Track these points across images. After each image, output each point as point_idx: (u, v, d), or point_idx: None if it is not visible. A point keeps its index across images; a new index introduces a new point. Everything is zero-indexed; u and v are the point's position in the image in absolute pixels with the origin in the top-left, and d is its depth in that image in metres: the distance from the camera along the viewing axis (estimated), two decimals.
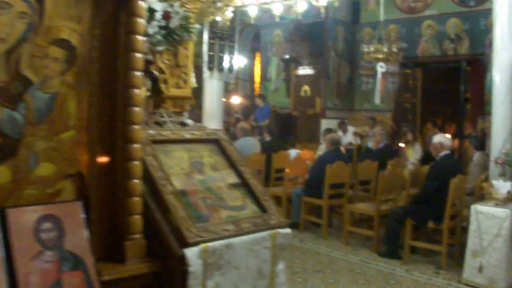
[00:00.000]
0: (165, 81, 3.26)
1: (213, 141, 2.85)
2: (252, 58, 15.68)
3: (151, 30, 3.14)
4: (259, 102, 13.06)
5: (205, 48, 10.88)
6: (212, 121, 10.64)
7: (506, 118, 6.08)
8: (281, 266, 2.64)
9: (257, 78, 15.33)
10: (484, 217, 5.45)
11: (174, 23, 3.24)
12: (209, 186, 2.57)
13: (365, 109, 12.55)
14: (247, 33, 15.27)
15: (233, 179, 2.69)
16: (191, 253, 2.20)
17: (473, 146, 7.43)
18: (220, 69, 10.90)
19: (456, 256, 6.28)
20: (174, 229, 2.27)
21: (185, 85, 3.36)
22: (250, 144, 9.09)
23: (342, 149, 8.96)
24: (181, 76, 3.35)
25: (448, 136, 6.51)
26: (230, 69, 11.20)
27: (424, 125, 12.73)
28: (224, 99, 13.81)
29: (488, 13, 6.28)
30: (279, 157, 8.87)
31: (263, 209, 2.62)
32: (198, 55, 11.05)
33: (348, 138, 11.61)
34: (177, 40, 3.29)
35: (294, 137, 10.01)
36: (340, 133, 12.12)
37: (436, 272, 6.10)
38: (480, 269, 5.49)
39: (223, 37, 11.32)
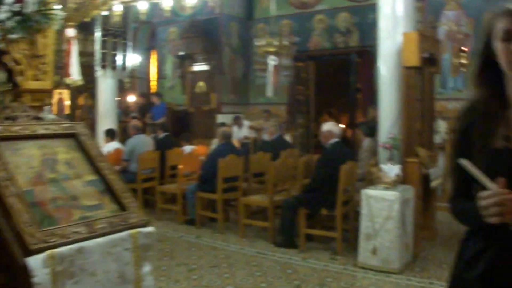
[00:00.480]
0: (22, 73, 2.96)
1: (71, 136, 2.57)
2: (148, 56, 15.29)
3: (1, 15, 2.83)
4: (155, 100, 12.73)
5: (97, 46, 10.43)
6: (107, 120, 10.23)
7: (392, 104, 6.16)
8: (147, 268, 2.40)
9: (154, 76, 14.93)
10: (374, 201, 5.50)
11: (30, 8, 2.94)
12: (61, 185, 2.30)
13: (260, 102, 12.54)
14: (143, 31, 14.88)
15: (90, 176, 2.43)
16: (35, 262, 1.92)
17: (363, 133, 7.54)
18: (114, 67, 10.48)
19: (351, 241, 6.30)
20: (16, 235, 1.99)
21: (45, 77, 3.07)
22: (143, 142, 8.82)
23: (236, 143, 8.86)
24: (40, 67, 3.05)
25: (338, 124, 6.54)
26: (124, 67, 10.78)
27: (319, 116, 12.93)
28: (120, 98, 13.40)
29: (376, 7, 6.53)
30: (173, 154, 8.65)
31: (122, 207, 2.38)
32: (90, 54, 10.59)
33: (244, 132, 11.56)
34: (35, 27, 2.98)
35: (188, 133, 9.78)
36: (235, 127, 12.07)
37: (332, 258, 6.11)
38: (374, 252, 5.54)
39: (116, 35, 10.90)
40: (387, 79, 6.23)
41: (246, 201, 7.13)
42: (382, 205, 5.44)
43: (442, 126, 8.84)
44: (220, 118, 12.08)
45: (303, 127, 11.68)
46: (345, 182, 6.03)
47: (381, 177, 5.63)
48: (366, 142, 7.37)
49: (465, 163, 1.59)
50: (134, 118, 12.75)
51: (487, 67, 1.76)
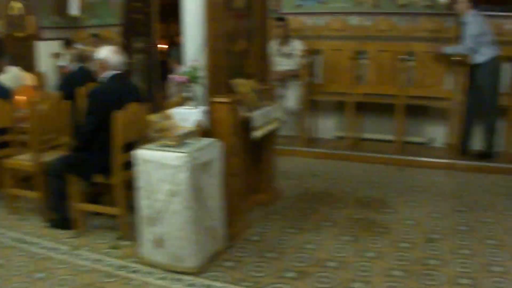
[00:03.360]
0: None
1: None
2: None
3: None
4: None
5: None
6: None
7: (198, 17, 4.10)
8: None
9: None
10: (152, 167, 3.53)
11: None
12: None
13: (94, 25, 10.06)
14: None
15: None
16: None
17: (175, 60, 5.52)
18: None
19: None
20: None
21: None
22: None
23: None
24: None
25: (116, 49, 4.39)
26: None
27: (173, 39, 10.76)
28: None
29: None
30: None
31: None
32: None
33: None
34: None
35: None
36: (67, 56, 9.66)
37: (115, 246, 4.16)
38: (159, 243, 3.64)
39: None
40: None
41: (10, 164, 4.94)
42: (164, 174, 3.48)
43: (298, 47, 6.96)
44: (43, 46, 9.60)
45: (142, 52, 9.35)
46: (126, 134, 4.01)
47: (166, 128, 3.65)
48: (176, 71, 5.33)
49: None
50: None
51: None
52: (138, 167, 3.59)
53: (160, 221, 3.57)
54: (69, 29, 10.10)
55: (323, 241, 4.17)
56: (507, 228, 4.42)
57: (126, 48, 9.37)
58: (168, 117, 3.72)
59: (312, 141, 7.24)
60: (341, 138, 7.27)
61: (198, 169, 3.52)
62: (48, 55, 9.54)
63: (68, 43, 9.57)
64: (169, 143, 3.52)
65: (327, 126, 7.48)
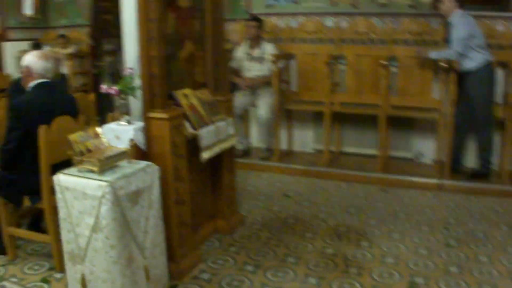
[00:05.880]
0: None
1: None
2: None
3: None
4: None
5: None
6: None
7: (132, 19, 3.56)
8: None
9: None
10: (72, 196, 3.01)
11: None
12: None
13: (63, 25, 9.50)
14: None
15: None
16: None
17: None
18: None
19: None
20: None
21: None
22: None
23: None
24: None
25: (41, 54, 3.87)
26: None
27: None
28: None
29: None
30: None
31: None
32: None
33: None
34: None
35: None
36: None
37: (45, 280, 3.64)
38: (84, 284, 3.12)
39: None
40: None
41: None
42: (85, 206, 2.96)
43: (269, 51, 6.43)
44: (10, 48, 9.05)
45: (111, 54, 8.78)
46: (54, 153, 3.49)
47: (91, 149, 3.12)
48: None
49: None
50: None
51: None
52: (58, 195, 3.07)
53: (83, 259, 3.05)
54: (38, 30, 9.54)
55: (285, 283, 3.60)
56: (504, 270, 3.80)
57: (94, 50, 8.89)
58: (95, 135, 3.19)
59: (287, 155, 6.71)
60: (319, 151, 6.72)
61: (125, 200, 2.99)
62: (14, 56, 8.99)
63: (37, 44, 9.02)
64: (92, 168, 2.99)
65: (304, 138, 6.94)
